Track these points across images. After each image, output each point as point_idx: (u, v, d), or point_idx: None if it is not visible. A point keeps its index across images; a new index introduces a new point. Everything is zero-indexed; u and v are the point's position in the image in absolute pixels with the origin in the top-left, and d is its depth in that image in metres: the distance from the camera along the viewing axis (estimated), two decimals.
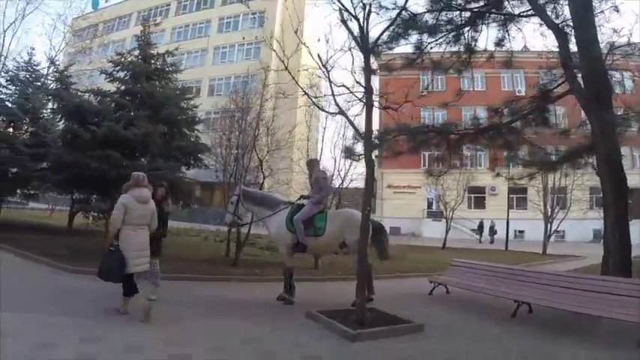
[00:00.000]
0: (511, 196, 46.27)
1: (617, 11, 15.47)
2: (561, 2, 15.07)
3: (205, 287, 13.59)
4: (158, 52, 22.08)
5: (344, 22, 10.46)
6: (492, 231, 45.56)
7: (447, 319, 11.00)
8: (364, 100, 10.40)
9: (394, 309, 10.63)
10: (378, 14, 13.22)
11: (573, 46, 14.14)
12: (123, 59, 21.69)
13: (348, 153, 16.08)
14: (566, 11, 14.79)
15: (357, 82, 10.51)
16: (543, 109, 15.67)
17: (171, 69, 22.44)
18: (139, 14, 69.47)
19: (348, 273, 15.21)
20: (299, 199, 12.66)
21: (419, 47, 15.13)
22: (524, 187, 38.09)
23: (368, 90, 10.18)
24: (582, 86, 13.63)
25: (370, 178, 10.46)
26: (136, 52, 22.03)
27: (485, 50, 16.31)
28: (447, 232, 37.15)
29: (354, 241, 11.06)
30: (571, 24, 14.42)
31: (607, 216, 13.42)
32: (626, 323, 9.03)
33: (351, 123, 11.23)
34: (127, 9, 72.19)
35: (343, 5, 10.34)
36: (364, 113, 10.47)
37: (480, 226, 48.36)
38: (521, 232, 48.08)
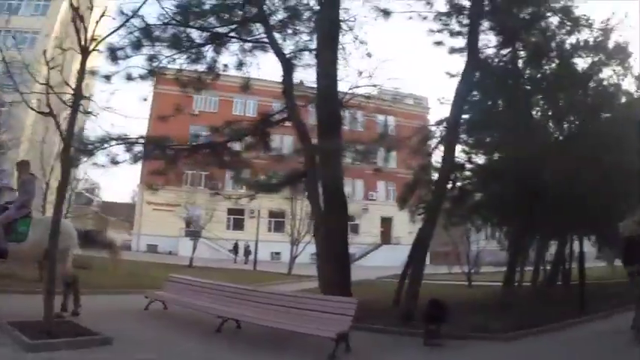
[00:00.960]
0: (270, 219, 47.56)
1: (370, 56, 16.68)
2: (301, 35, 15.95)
3: None
4: None
5: (74, 21, 10.04)
6: (247, 251, 46.11)
7: (148, 334, 10.83)
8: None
9: (99, 323, 10.23)
10: (114, 19, 12.87)
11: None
12: None
13: None
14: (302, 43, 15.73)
15: (66, 83, 10.07)
16: (263, 133, 16.13)
17: None
18: None
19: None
20: (4, 204, 11.86)
21: (151, 59, 14.92)
22: (282, 211, 39.45)
23: (77, 93, 9.78)
24: (300, 115, 14.46)
25: (64, 183, 10.02)
26: None
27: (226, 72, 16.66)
28: (193, 250, 37.18)
29: (59, 250, 10.44)
30: (299, 56, 15.23)
31: (318, 238, 14.09)
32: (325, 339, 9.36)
33: (58, 127, 10.64)
34: None
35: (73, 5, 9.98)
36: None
37: (235, 247, 49.14)
38: (278, 253, 49.22)
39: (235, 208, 43.49)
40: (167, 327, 12.00)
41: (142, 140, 14.80)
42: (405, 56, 69.92)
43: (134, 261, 30.52)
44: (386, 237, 57.81)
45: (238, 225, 53.79)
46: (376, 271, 33.52)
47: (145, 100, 15.68)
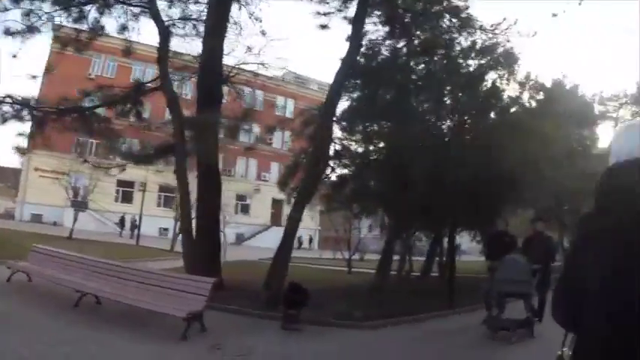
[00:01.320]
0: (160, 194, 46.89)
1: (264, 34, 16.65)
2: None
3: None
4: None
5: None
6: (133, 225, 44.97)
7: (2, 307, 10.54)
8: None
9: None
10: None
11: None
12: None
13: None
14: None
15: None
16: (135, 101, 15.86)
17: None
18: None
19: None
20: None
21: (28, 14, 14.31)
22: (172, 186, 38.83)
23: None
24: (172, 85, 14.27)
25: None
26: None
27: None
28: (74, 221, 35.72)
29: None
30: (178, 24, 15.13)
31: (184, 215, 14.05)
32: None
33: None
34: None
35: None
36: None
37: (122, 220, 48.09)
38: (166, 229, 47.98)
39: (125, 181, 42.48)
40: (26, 300, 11.73)
41: (8, 100, 14.14)
42: (315, 41, 70.25)
43: (14, 230, 29.45)
44: (276, 219, 57.96)
45: (127, 198, 52.43)
46: (262, 252, 33.66)
47: (15, 57, 14.98)
